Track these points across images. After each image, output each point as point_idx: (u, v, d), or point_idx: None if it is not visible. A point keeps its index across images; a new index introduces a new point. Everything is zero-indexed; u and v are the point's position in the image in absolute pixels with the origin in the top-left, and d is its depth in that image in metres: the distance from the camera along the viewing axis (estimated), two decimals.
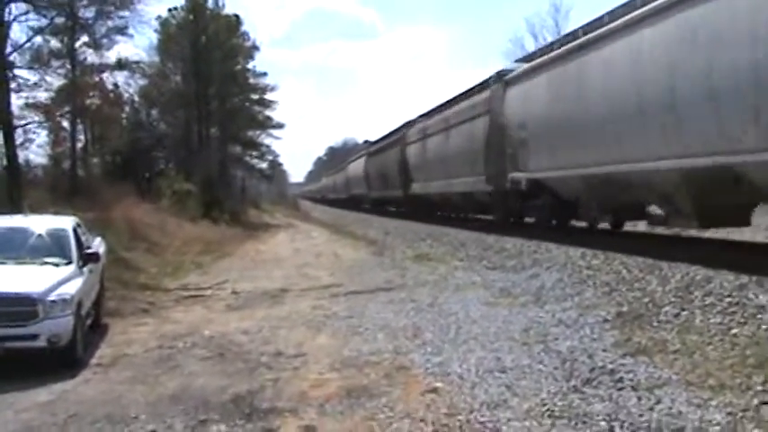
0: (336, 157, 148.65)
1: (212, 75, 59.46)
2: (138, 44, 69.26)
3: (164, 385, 10.65)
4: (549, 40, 56.03)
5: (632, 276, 16.39)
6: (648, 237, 24.70)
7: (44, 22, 35.38)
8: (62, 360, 11.82)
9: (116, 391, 10.44)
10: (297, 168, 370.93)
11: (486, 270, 21.09)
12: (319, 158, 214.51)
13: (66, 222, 15.01)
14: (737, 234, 22.45)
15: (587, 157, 22.83)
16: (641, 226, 26.40)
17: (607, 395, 8.86)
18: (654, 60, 18.69)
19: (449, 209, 45.89)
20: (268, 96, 73.18)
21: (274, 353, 12.36)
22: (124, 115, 52.10)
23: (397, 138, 56.21)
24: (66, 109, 39.35)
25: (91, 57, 40.83)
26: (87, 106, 40.85)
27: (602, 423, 8.02)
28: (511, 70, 31.73)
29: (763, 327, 11.24)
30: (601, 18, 22.89)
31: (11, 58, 33.28)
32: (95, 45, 39.82)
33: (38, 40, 35.84)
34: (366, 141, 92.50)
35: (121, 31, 40.71)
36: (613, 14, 21.74)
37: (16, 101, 35.44)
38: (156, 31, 58.04)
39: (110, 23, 39.89)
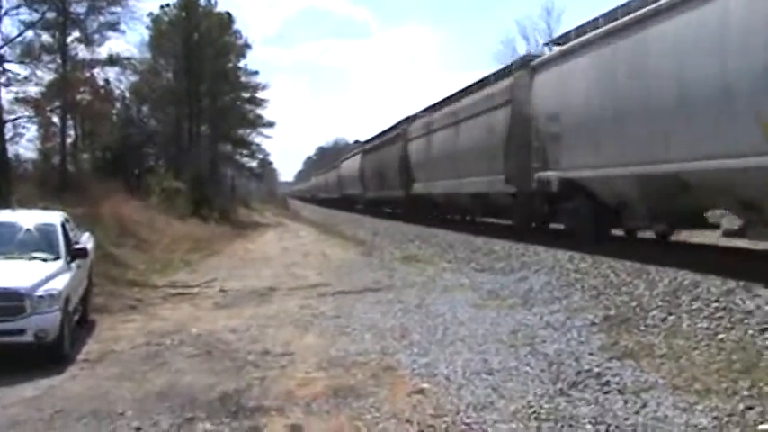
0: (326, 157, 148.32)
1: (204, 72, 59.46)
2: (129, 40, 69.37)
3: (151, 382, 10.63)
4: (541, 42, 56.09)
5: (620, 280, 16.44)
6: (636, 241, 24.70)
7: (35, 16, 35.50)
8: (49, 355, 11.78)
9: (103, 387, 10.42)
10: (287, 167, 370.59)
11: (475, 272, 21.13)
12: (309, 158, 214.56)
13: (55, 217, 14.96)
14: (725, 240, 22.53)
15: (643, 152, 19.44)
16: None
17: (593, 398, 8.89)
18: (747, 31, 15.40)
19: (456, 211, 42.19)
20: (259, 95, 73.29)
21: (262, 351, 12.35)
22: (115, 111, 51.97)
23: (396, 134, 52.77)
24: (57, 104, 39.25)
25: (82, 52, 40.81)
26: (78, 102, 40.72)
27: (588, 426, 8.04)
28: (537, 55, 29.16)
29: (750, 332, 11.29)
30: None
31: (1, 51, 33.25)
32: (87, 40, 39.76)
33: (29, 34, 35.92)
34: (357, 141, 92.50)
35: (113, 26, 40.70)
36: None
37: (6, 95, 35.40)
38: (147, 27, 58.15)
39: (101, 19, 39.89)
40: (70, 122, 42.63)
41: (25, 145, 44.01)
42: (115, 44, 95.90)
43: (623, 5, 21.16)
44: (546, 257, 21.32)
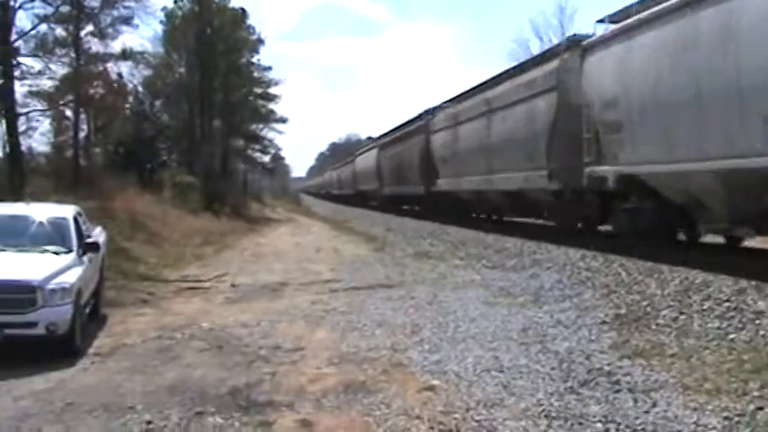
0: (339, 153, 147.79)
1: (217, 67, 59.45)
2: (143, 35, 68.94)
3: (161, 376, 10.66)
4: (555, 41, 55.87)
5: (631, 279, 16.44)
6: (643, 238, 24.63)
7: (49, 10, 35.36)
8: (60, 348, 11.81)
9: (114, 380, 10.44)
10: (299, 163, 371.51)
11: (486, 269, 21.14)
12: (321, 154, 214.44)
13: (67, 211, 14.98)
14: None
15: (731, 142, 16.37)
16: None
17: (603, 397, 8.88)
18: None
19: (484, 210, 39.96)
20: (272, 90, 73.25)
21: (273, 346, 12.36)
22: (127, 106, 51.89)
23: (418, 126, 49.93)
24: (70, 98, 39.23)
25: (95, 46, 40.67)
26: (91, 96, 40.68)
27: (599, 425, 8.03)
28: (586, 35, 25.60)
29: (761, 332, 11.27)
30: None
31: (16, 45, 33.28)
32: (100, 34, 39.69)
33: (43, 27, 35.72)
34: (369, 138, 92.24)
35: (127, 21, 40.55)
36: None
37: (20, 88, 35.36)
38: (161, 22, 58.15)
39: (115, 13, 39.73)
40: (83, 116, 42.60)
41: (38, 138, 44.29)
42: (129, 38, 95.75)
43: None
44: (557, 255, 21.33)
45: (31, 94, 37.36)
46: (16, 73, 33.37)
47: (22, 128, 35.20)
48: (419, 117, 51.21)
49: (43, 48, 35.52)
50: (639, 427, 7.92)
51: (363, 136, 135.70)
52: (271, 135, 78.75)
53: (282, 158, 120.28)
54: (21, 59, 34.05)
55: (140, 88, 55.88)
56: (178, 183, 47.02)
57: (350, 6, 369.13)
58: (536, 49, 63.23)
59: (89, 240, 14.49)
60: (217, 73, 60.01)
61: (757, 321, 11.80)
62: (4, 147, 33.74)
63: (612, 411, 8.37)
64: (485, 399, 9.01)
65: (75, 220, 14.60)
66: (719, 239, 21.87)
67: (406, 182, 53.00)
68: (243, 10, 64.27)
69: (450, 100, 44.26)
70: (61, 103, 39.52)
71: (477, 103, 35.99)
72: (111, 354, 12.17)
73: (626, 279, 16.56)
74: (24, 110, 35.90)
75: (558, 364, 10.50)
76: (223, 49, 59.87)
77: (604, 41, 23.00)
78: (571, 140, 24.33)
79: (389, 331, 13.23)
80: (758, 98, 15.46)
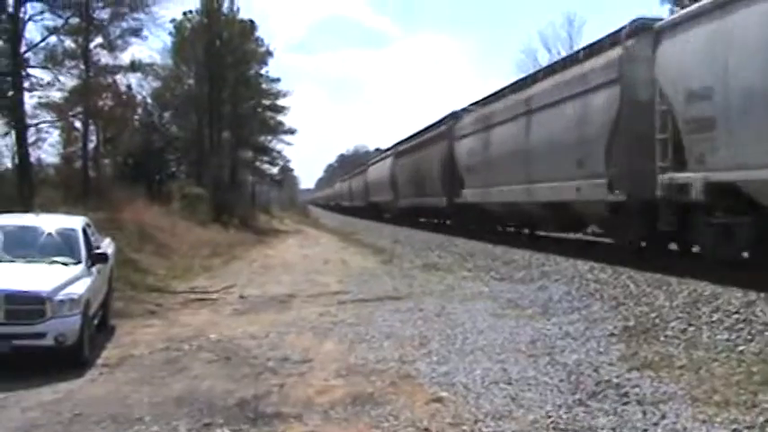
0: (347, 165, 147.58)
1: (225, 79, 59.56)
2: (152, 46, 69.51)
3: (169, 387, 10.67)
4: (563, 53, 55.76)
5: (640, 291, 16.40)
6: (652, 251, 24.53)
7: (59, 21, 35.49)
8: (68, 359, 11.83)
9: (121, 391, 10.45)
10: (307, 175, 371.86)
11: (494, 281, 21.12)
12: (330, 165, 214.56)
13: (76, 222, 15.02)
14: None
15: None
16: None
17: (612, 409, 8.86)
18: None
19: (517, 223, 35.32)
20: (280, 102, 73.44)
21: (281, 358, 12.36)
22: (136, 117, 52.18)
23: (439, 132, 45.44)
24: (79, 109, 39.35)
25: (105, 58, 40.85)
26: (100, 107, 40.85)
27: None
28: (655, 18, 21.92)
29: None
30: None
31: (25, 56, 33.41)
32: (109, 46, 39.84)
33: (52, 39, 35.88)
34: (377, 149, 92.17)
35: (136, 33, 40.66)
36: None
37: (29, 100, 35.52)
38: (170, 33, 58.41)
39: (124, 25, 39.86)
40: (92, 128, 42.74)
41: (47, 150, 44.34)
42: (138, 50, 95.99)
43: None
44: (566, 267, 21.28)
45: (40, 105, 37.62)
46: (26, 84, 33.58)
47: (31, 139, 35.44)
48: (441, 122, 47.03)
49: (53, 59, 35.65)
50: None
51: (371, 147, 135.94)
52: (279, 147, 78.98)
53: (291, 170, 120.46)
54: (30, 71, 34.28)
55: (149, 100, 56.30)
56: (187, 194, 47.14)
57: (357, 19, 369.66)
58: (544, 60, 63.09)
59: (98, 251, 14.52)
60: (226, 85, 60.13)
61: (766, 333, 11.76)
62: (14, 158, 33.97)
63: (621, 424, 8.35)
64: (493, 411, 8.99)
65: (84, 231, 14.64)
66: None
67: (424, 193, 48.80)
68: (252, 22, 64.56)
69: (478, 102, 40.42)
70: (70, 114, 39.67)
71: (514, 103, 31.52)
72: (119, 365, 12.18)
73: (634, 291, 16.53)
74: (34, 121, 36.15)
75: (566, 376, 10.48)
76: (232, 61, 60.00)
77: (688, 21, 18.90)
78: (639, 142, 20.71)
79: (397, 343, 13.21)
80: None
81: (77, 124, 41.41)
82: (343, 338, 13.89)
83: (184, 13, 59.71)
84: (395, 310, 16.82)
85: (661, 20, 21.12)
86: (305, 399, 9.89)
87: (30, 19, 33.18)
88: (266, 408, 9.48)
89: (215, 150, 57.73)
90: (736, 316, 12.93)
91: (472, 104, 41.44)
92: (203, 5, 59.38)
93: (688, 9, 19.76)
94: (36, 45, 34.70)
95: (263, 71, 69.19)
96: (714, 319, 13.07)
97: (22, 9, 32.38)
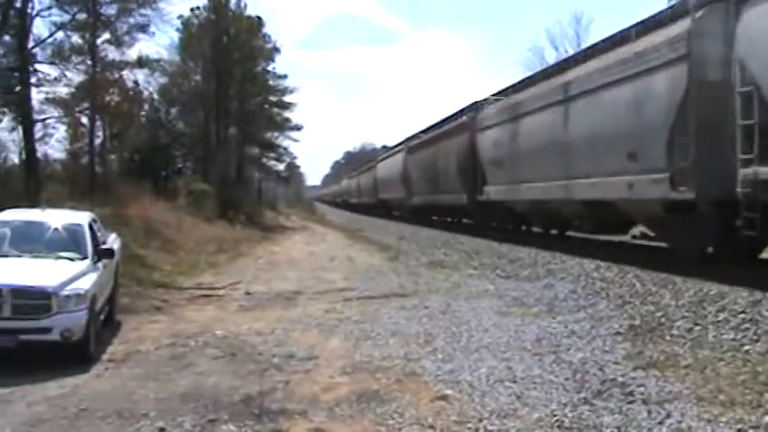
0: (354, 162, 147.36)
1: (232, 75, 59.60)
2: (159, 42, 69.47)
3: (175, 383, 10.68)
4: (570, 51, 55.60)
5: (645, 290, 16.38)
6: (662, 251, 24.44)
7: (66, 17, 35.58)
8: (74, 354, 11.86)
9: (127, 387, 10.47)
10: (313, 171, 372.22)
11: (500, 279, 21.10)
12: (336, 162, 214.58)
13: (82, 218, 15.05)
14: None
15: None
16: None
17: (617, 408, 8.85)
18: None
19: (546, 223, 32.42)
20: (287, 98, 73.38)
21: (286, 355, 12.37)
22: (143, 113, 52.16)
23: (459, 124, 42.21)
24: (86, 105, 39.42)
25: (112, 54, 40.82)
26: (107, 103, 40.88)
27: None
28: None
29: None
30: None
31: (33, 52, 33.46)
32: (116, 42, 39.81)
33: (59, 35, 35.96)
34: (384, 146, 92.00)
35: (143, 28, 40.65)
36: None
37: (36, 95, 35.66)
38: (177, 29, 58.33)
39: (131, 21, 39.86)
40: (99, 123, 42.75)
41: (54, 145, 44.46)
42: (145, 46, 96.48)
43: None
44: (572, 266, 21.26)
45: (47, 101, 37.72)
46: (33, 80, 33.64)
47: (38, 134, 35.55)
48: (460, 113, 44.08)
49: (60, 55, 35.72)
50: None
51: (378, 145, 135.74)
52: (285, 143, 78.98)
53: (297, 167, 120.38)
54: (37, 66, 34.36)
55: (156, 96, 56.30)
56: (193, 190, 47.14)
57: (365, 16, 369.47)
58: (551, 58, 62.86)
59: (104, 247, 14.57)
60: (232, 81, 60.20)
61: None
62: (21, 153, 34.04)
63: (626, 422, 8.34)
64: (498, 409, 8.99)
65: (91, 226, 14.66)
66: None
67: (440, 190, 45.46)
68: (259, 18, 64.55)
69: (502, 91, 37.54)
70: (77, 110, 39.74)
71: (548, 90, 28.24)
72: (124, 360, 12.20)
73: (640, 290, 16.51)
74: (41, 117, 36.25)
75: (571, 374, 10.48)
76: (239, 58, 60.02)
77: None
78: (711, 130, 17.91)
79: (403, 340, 13.21)
80: None
81: (84, 120, 41.51)
82: (349, 335, 13.89)
83: (192, 9, 59.84)
84: (400, 308, 16.82)
85: None
86: (310, 395, 9.89)
87: (37, 14, 33.28)
88: (271, 404, 9.49)
89: (221, 146, 57.78)
90: (742, 315, 12.93)
91: (495, 94, 38.49)
92: (211, 1, 59.48)
93: None
94: (43, 41, 34.83)
95: (270, 67, 69.29)
96: (720, 318, 13.06)
97: (30, 4, 32.47)
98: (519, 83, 35.59)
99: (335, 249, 36.05)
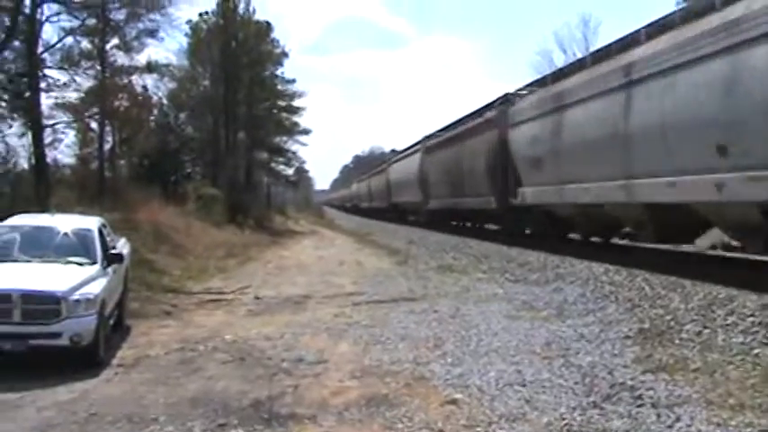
0: (362, 166, 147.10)
1: (241, 80, 59.69)
2: (168, 47, 69.69)
3: (184, 388, 10.70)
4: (578, 54, 55.52)
5: (655, 293, 16.34)
6: (671, 254, 24.38)
7: (75, 23, 35.63)
8: (84, 359, 11.89)
9: (137, 391, 10.49)
10: (322, 176, 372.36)
11: (509, 283, 21.09)
12: (345, 166, 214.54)
13: (92, 222, 15.08)
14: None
15: None
16: None
17: (626, 412, 8.84)
18: None
19: (592, 229, 27.98)
20: (296, 103, 73.35)
21: (295, 359, 12.38)
22: (152, 118, 52.31)
23: (487, 119, 37.23)
24: (95, 110, 39.62)
25: (121, 59, 40.99)
26: (116, 108, 41.09)
27: None
28: None
29: None
30: None
31: (42, 57, 33.56)
32: (125, 47, 39.97)
33: (69, 40, 36.08)
34: (393, 150, 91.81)
35: (152, 34, 40.77)
36: None
37: (46, 100, 35.81)
38: (186, 35, 58.59)
39: (140, 26, 39.97)
40: (108, 128, 42.93)
41: (64, 150, 44.48)
42: (154, 51, 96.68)
43: None
44: (580, 269, 21.21)
45: (56, 106, 37.96)
46: (42, 85, 33.75)
47: (47, 140, 35.69)
48: (488, 107, 39.10)
49: (69, 60, 35.84)
50: None
51: (387, 149, 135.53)
52: (294, 147, 78.90)
53: (306, 171, 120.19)
54: (47, 72, 34.48)
55: (165, 101, 56.40)
56: (202, 195, 47.17)
57: (372, 20, 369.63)
58: (560, 61, 62.80)
59: (113, 252, 14.59)
60: (241, 85, 60.29)
61: None
62: (30, 158, 34.04)
63: (635, 426, 8.34)
64: (507, 413, 8.99)
65: (100, 231, 14.70)
66: None
67: (464, 193, 40.64)
68: (267, 23, 64.62)
69: (539, 80, 33.23)
70: (86, 115, 39.95)
71: (604, 74, 23.30)
72: (134, 365, 12.23)
73: (649, 293, 16.48)
74: (50, 122, 36.42)
75: (580, 378, 10.47)
76: (247, 62, 60.09)
77: None
78: None
79: (412, 345, 13.22)
80: None
81: (93, 125, 41.76)
82: (358, 340, 13.90)
83: (200, 15, 59.98)
84: (409, 312, 16.82)
85: None
86: (319, 400, 9.90)
87: (46, 20, 33.38)
88: (281, 409, 9.50)
89: (230, 151, 57.82)
90: (751, 319, 12.88)
91: (528, 85, 34.49)
92: (219, 7, 59.56)
93: None
94: (53, 46, 34.96)
95: (278, 72, 69.29)
96: (729, 321, 13.02)
97: (39, 10, 32.52)
98: (561, 68, 31.93)
99: (344, 254, 36.06)
